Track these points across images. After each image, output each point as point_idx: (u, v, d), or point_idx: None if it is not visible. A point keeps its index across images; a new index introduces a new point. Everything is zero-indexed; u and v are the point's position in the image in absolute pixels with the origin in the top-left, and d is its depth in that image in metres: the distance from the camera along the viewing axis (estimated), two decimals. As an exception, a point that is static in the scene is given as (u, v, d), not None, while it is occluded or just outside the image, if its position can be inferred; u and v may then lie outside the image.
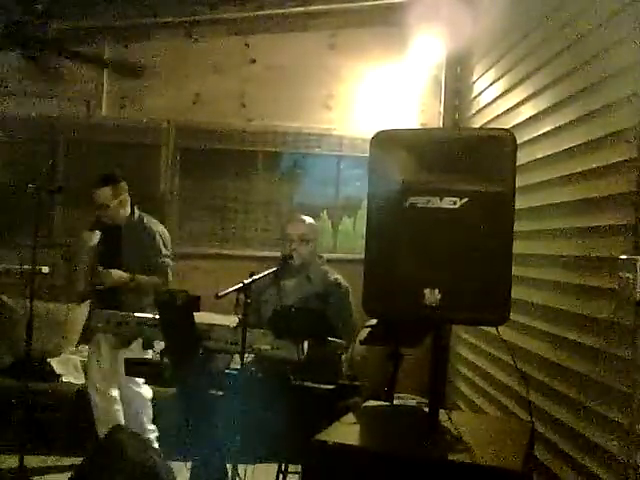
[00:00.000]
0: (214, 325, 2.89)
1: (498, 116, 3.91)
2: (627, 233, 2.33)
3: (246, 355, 2.74)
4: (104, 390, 3.84)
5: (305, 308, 3.14)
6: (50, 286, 4.63)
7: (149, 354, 3.39)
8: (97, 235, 3.93)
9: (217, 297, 2.66)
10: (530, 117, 3.33)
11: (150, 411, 3.96)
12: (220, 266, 4.98)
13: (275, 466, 2.96)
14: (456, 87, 5.03)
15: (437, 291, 2.15)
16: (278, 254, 3.47)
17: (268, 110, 5.20)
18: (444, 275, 2.16)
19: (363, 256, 2.29)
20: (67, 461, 3.92)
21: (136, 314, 3.04)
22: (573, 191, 2.81)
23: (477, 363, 4.04)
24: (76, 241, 4.08)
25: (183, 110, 5.22)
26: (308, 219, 3.58)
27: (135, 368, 3.12)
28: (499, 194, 2.14)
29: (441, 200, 2.17)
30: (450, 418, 2.30)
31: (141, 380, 3.87)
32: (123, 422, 3.81)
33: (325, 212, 5.29)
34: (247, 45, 5.21)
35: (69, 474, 3.34)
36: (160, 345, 3.11)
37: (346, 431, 2.30)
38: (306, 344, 2.76)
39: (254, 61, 5.22)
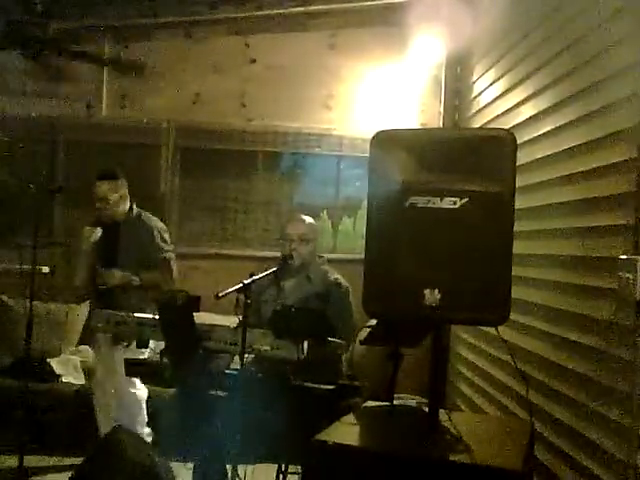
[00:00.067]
0: (214, 325, 2.89)
1: (498, 116, 3.91)
2: (627, 233, 2.32)
3: (246, 355, 2.75)
4: (106, 388, 3.85)
5: (305, 308, 3.14)
6: (50, 286, 4.63)
7: (145, 354, 3.40)
8: (98, 232, 3.93)
9: (217, 297, 2.66)
10: (530, 117, 3.33)
11: (144, 413, 3.96)
12: (220, 266, 4.98)
13: (275, 466, 2.96)
14: (456, 87, 5.03)
15: (437, 291, 2.15)
16: (278, 254, 3.47)
17: (268, 110, 5.20)
18: (444, 275, 2.16)
19: (363, 256, 2.30)
20: (67, 461, 3.92)
21: (136, 314, 3.04)
22: (573, 191, 2.81)
23: (477, 363, 4.04)
24: (77, 237, 4.09)
25: (183, 110, 5.22)
26: (308, 219, 3.58)
27: (135, 368, 3.12)
28: (499, 194, 2.14)
29: (441, 200, 2.17)
30: (450, 418, 2.30)
31: (137, 381, 3.87)
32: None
33: (325, 212, 5.29)
34: (247, 45, 5.21)
35: (69, 474, 3.33)
36: (158, 345, 3.12)
37: (346, 431, 2.30)
38: (306, 344, 2.76)
39: (254, 61, 5.22)
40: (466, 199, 2.15)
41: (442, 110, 5.09)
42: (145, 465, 3.20)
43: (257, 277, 2.84)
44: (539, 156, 3.15)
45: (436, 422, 2.28)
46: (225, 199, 5.34)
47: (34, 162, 5.12)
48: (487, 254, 2.14)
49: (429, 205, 2.18)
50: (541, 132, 3.17)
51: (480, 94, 4.39)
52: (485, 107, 4.24)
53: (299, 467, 2.63)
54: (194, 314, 2.84)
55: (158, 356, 3.01)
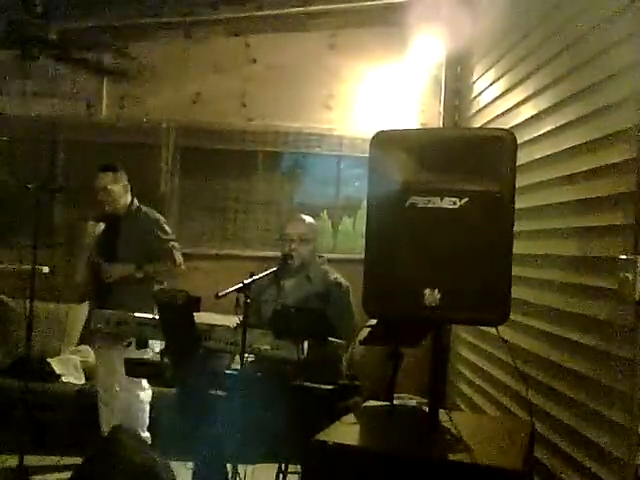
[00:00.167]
0: (214, 325, 2.89)
1: (498, 116, 3.91)
2: (627, 233, 2.32)
3: (246, 355, 2.75)
4: (109, 386, 3.85)
5: (305, 308, 3.14)
6: (50, 286, 4.63)
7: (148, 354, 3.40)
8: (101, 227, 3.95)
9: (217, 297, 2.66)
10: (530, 117, 3.33)
11: (146, 417, 3.96)
12: (220, 266, 4.98)
13: (275, 466, 2.96)
14: (456, 87, 5.03)
15: (437, 291, 2.15)
16: (278, 254, 3.47)
17: (268, 110, 5.20)
18: (444, 275, 2.17)
19: (363, 256, 2.30)
20: (67, 461, 3.91)
21: (136, 314, 3.05)
22: (573, 191, 2.81)
23: (477, 363, 4.04)
24: (78, 234, 4.10)
25: (183, 110, 5.22)
26: (308, 219, 3.58)
27: (135, 368, 3.12)
28: (499, 194, 2.14)
29: (441, 200, 2.17)
30: (450, 418, 2.30)
31: (145, 384, 3.88)
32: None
33: (325, 212, 5.29)
34: (247, 45, 5.21)
35: (69, 474, 3.34)
36: (158, 345, 3.12)
37: (346, 431, 2.30)
38: (306, 344, 2.76)
39: (254, 61, 5.21)
40: (466, 199, 2.15)
41: (442, 110, 5.09)
42: (145, 465, 3.20)
43: (257, 277, 2.84)
44: (539, 156, 3.15)
45: (436, 422, 2.28)
46: (225, 199, 5.34)
47: (34, 162, 5.12)
48: (487, 254, 2.14)
49: (429, 205, 2.19)
50: (541, 132, 3.17)
51: (480, 94, 4.39)
52: (485, 107, 4.24)
53: (299, 467, 2.63)
54: (194, 314, 2.85)
55: (158, 356, 3.02)
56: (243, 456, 2.75)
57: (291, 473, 2.91)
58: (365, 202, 2.33)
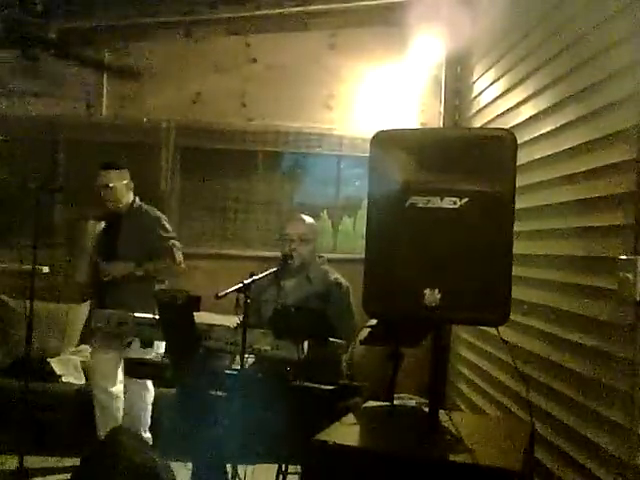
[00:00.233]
0: (214, 325, 2.89)
1: (498, 116, 3.91)
2: (627, 233, 2.32)
3: (246, 355, 2.75)
4: (103, 386, 3.84)
5: (305, 308, 3.14)
6: (50, 286, 4.63)
7: (151, 354, 3.40)
8: (100, 226, 3.96)
9: (217, 297, 2.66)
10: (530, 117, 3.33)
11: (148, 417, 3.96)
12: (220, 266, 4.98)
13: (275, 466, 2.96)
14: (456, 87, 5.03)
15: (437, 291, 2.15)
16: (278, 254, 3.47)
17: (268, 110, 5.20)
18: (444, 275, 2.16)
19: (363, 256, 2.29)
20: (67, 461, 3.91)
21: (136, 314, 3.05)
22: (573, 191, 2.81)
23: (477, 363, 4.04)
24: (79, 234, 4.10)
25: (183, 110, 5.22)
26: (308, 219, 3.58)
27: (135, 368, 3.12)
28: (499, 194, 2.14)
29: (441, 200, 2.17)
30: (450, 418, 2.30)
31: (150, 385, 3.88)
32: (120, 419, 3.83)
33: (325, 212, 5.29)
34: (247, 45, 5.21)
35: (69, 474, 3.34)
36: (162, 346, 3.12)
37: (346, 431, 2.30)
38: (306, 344, 2.76)
39: (254, 61, 5.21)
40: (466, 199, 2.15)
41: (442, 110, 5.09)
42: (145, 465, 3.19)
43: (257, 277, 2.84)
44: (539, 156, 3.15)
45: (436, 422, 2.28)
46: (225, 199, 5.34)
47: (34, 162, 5.12)
48: (487, 254, 2.13)
49: (429, 205, 2.18)
50: (541, 132, 3.17)
51: (480, 94, 4.39)
52: (485, 107, 4.24)
53: (299, 467, 2.63)
54: (194, 314, 2.85)
55: (159, 356, 3.02)
56: (243, 456, 2.75)
57: (291, 473, 2.91)
58: (365, 202, 2.33)
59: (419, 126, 5.09)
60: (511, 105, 3.67)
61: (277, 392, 2.73)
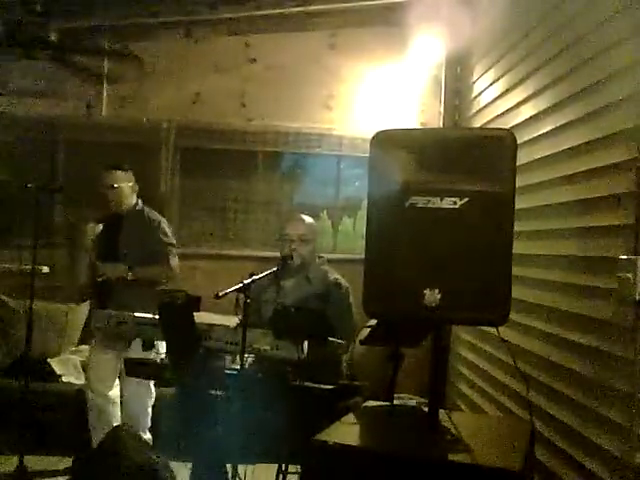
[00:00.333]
0: (214, 325, 2.89)
1: (498, 116, 3.91)
2: (627, 233, 2.32)
3: (246, 355, 2.74)
4: (100, 390, 3.84)
5: (305, 308, 3.14)
6: (50, 286, 4.63)
7: (151, 354, 3.40)
8: (99, 227, 3.96)
9: (217, 297, 2.66)
10: (530, 117, 3.33)
11: (149, 419, 3.96)
12: (220, 266, 4.98)
13: (275, 466, 2.96)
14: (456, 87, 5.03)
15: (437, 291, 2.15)
16: (278, 254, 3.47)
17: (268, 110, 5.20)
18: (444, 275, 2.16)
19: (363, 256, 2.29)
20: (67, 461, 3.90)
21: (136, 314, 3.04)
22: (573, 191, 2.81)
23: (477, 363, 4.04)
24: (79, 236, 4.10)
25: (183, 110, 5.21)
26: (307, 219, 3.58)
27: (135, 368, 3.12)
28: (499, 194, 2.14)
29: (441, 200, 2.17)
30: (450, 418, 2.30)
31: (150, 386, 3.88)
32: (114, 424, 3.82)
33: (325, 212, 5.29)
34: (247, 45, 5.21)
35: (69, 475, 3.34)
36: (163, 346, 3.12)
37: (346, 431, 2.30)
38: (306, 344, 2.76)
39: (254, 61, 5.21)
40: (466, 199, 2.15)
41: (442, 110, 5.09)
42: (145, 465, 3.20)
43: (257, 277, 2.84)
44: (539, 156, 3.15)
45: (436, 422, 2.28)
46: (225, 199, 5.34)
47: (34, 162, 5.12)
48: (487, 254, 2.13)
49: (429, 205, 2.18)
50: (541, 132, 3.17)
51: (480, 94, 4.39)
52: (485, 107, 4.24)
53: (299, 467, 2.63)
54: (194, 314, 2.84)
55: (159, 356, 3.02)
56: (243, 456, 2.75)
57: (291, 473, 2.91)
58: (365, 202, 2.33)
59: (419, 126, 5.09)
60: (511, 105, 3.67)
61: (277, 392, 2.73)
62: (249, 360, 2.84)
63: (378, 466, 2.04)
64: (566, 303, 2.81)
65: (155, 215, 4.06)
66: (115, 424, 3.79)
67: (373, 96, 5.16)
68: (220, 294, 2.67)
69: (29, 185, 3.71)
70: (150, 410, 3.95)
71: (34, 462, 3.75)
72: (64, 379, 4.48)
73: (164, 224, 4.03)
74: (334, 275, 3.50)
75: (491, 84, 4.13)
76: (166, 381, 3.05)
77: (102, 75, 5.16)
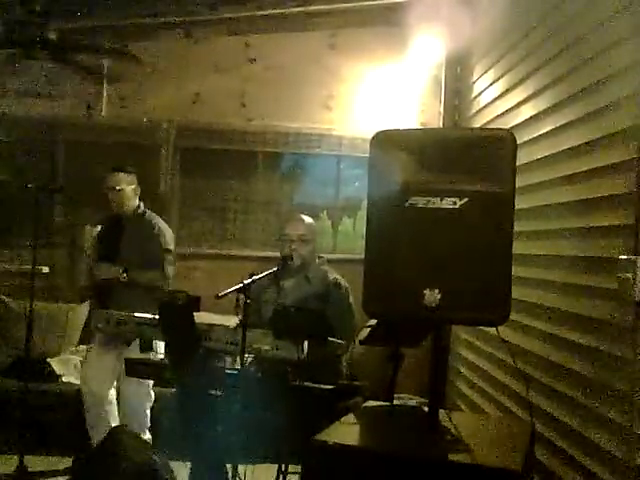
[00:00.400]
0: (214, 325, 2.89)
1: (498, 116, 3.91)
2: (627, 233, 2.32)
3: (246, 355, 2.74)
4: (95, 390, 3.84)
5: (305, 308, 3.14)
6: (50, 286, 4.63)
7: (149, 354, 3.40)
8: (97, 229, 3.97)
9: (217, 297, 2.66)
10: (530, 117, 3.33)
11: (148, 419, 3.96)
12: (220, 266, 4.98)
13: (275, 466, 2.96)
14: (456, 87, 5.02)
15: (437, 291, 2.15)
16: (278, 254, 3.47)
17: (268, 110, 5.20)
18: (444, 275, 2.16)
19: (363, 256, 2.29)
20: (67, 461, 3.91)
21: (136, 314, 3.05)
22: (573, 191, 2.81)
23: (477, 363, 4.04)
24: (79, 237, 4.10)
25: (183, 110, 5.22)
26: (307, 219, 3.58)
27: (135, 368, 3.12)
28: (499, 194, 2.14)
29: (441, 200, 2.17)
30: (450, 418, 2.30)
31: (150, 386, 3.88)
32: (112, 423, 3.82)
33: (325, 212, 5.30)
34: (247, 45, 5.21)
35: (69, 475, 3.34)
36: (161, 346, 3.12)
37: (346, 431, 2.30)
38: (306, 344, 2.76)
39: (254, 61, 5.21)
40: (466, 199, 2.15)
41: (442, 110, 5.08)
42: (145, 465, 3.20)
43: (257, 277, 2.84)
44: (539, 156, 3.15)
45: (436, 422, 2.28)
46: (225, 199, 5.34)
47: (34, 162, 5.12)
48: (487, 254, 2.13)
49: (429, 205, 2.18)
50: (541, 132, 3.17)
51: (480, 94, 4.39)
52: (485, 107, 4.24)
53: (299, 467, 2.63)
54: (194, 314, 2.84)
55: (157, 356, 3.02)
56: (243, 456, 2.75)
57: (291, 473, 2.91)
58: (365, 202, 2.33)
59: (419, 126, 5.10)
60: (511, 105, 3.67)
61: (277, 392, 2.73)
62: (249, 360, 2.84)
63: (378, 466, 2.04)
64: (566, 303, 2.81)
65: (156, 219, 4.05)
66: (113, 423, 3.80)
67: (373, 96, 5.16)
68: (220, 294, 2.67)
69: (29, 185, 3.71)
70: (149, 409, 3.95)
71: (34, 462, 3.75)
72: (64, 379, 4.48)
73: (164, 229, 4.03)
74: (334, 275, 3.50)
75: (491, 84, 4.12)
76: (166, 381, 3.04)
77: (102, 74, 5.16)
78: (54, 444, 4.08)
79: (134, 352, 3.36)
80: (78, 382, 4.45)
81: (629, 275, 2.21)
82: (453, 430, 2.23)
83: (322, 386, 2.80)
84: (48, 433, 4.08)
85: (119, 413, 3.91)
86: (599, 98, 2.60)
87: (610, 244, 2.45)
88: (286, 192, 5.31)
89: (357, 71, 5.18)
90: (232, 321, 2.84)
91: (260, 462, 2.98)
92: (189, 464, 2.98)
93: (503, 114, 3.81)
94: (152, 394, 3.94)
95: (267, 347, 2.79)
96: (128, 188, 3.98)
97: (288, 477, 2.93)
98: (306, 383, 2.78)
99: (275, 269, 3.20)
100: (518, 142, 2.22)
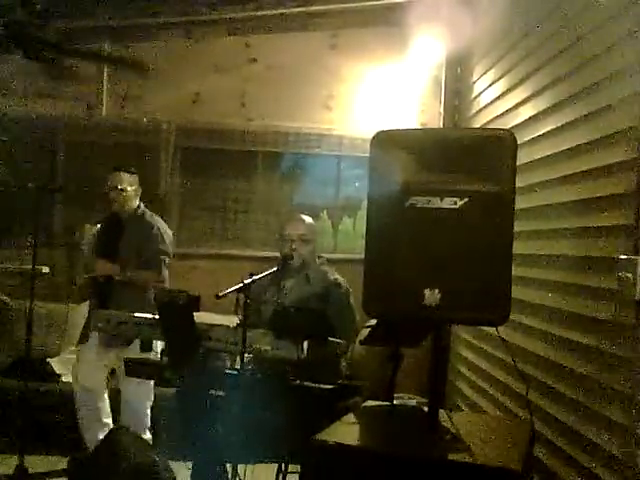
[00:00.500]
0: (214, 325, 2.89)
1: (498, 116, 3.91)
2: (627, 233, 2.32)
3: (246, 355, 2.75)
4: (87, 385, 3.84)
5: (305, 308, 3.14)
6: (50, 286, 4.63)
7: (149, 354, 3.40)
8: (96, 228, 3.97)
9: (217, 297, 2.66)
10: (530, 117, 3.33)
11: (148, 419, 3.96)
12: (220, 266, 4.98)
13: (275, 466, 2.96)
14: (456, 87, 5.03)
15: (437, 291, 2.15)
16: (278, 254, 3.47)
17: (268, 110, 5.20)
18: (444, 275, 2.16)
19: (363, 256, 2.30)
20: (67, 462, 3.91)
21: (136, 314, 3.05)
22: (573, 191, 2.81)
23: (477, 363, 4.04)
24: (78, 237, 4.10)
25: (183, 110, 5.22)
26: (307, 219, 3.58)
27: (135, 368, 3.12)
28: (499, 194, 2.14)
29: (441, 200, 2.17)
30: (450, 418, 2.30)
31: (150, 386, 3.88)
32: (105, 421, 3.83)
33: (325, 212, 5.30)
34: (247, 45, 5.21)
35: (66, 475, 3.34)
36: (160, 346, 3.12)
37: (346, 431, 2.30)
38: (306, 344, 2.76)
39: (254, 61, 5.21)
40: (466, 199, 2.15)
41: (442, 110, 5.09)
42: (145, 465, 3.20)
43: (257, 277, 2.84)
44: (539, 156, 3.15)
45: (436, 422, 2.28)
46: (225, 199, 5.34)
47: (34, 162, 5.12)
48: (487, 254, 2.14)
49: (429, 205, 2.19)
50: (541, 132, 3.17)
51: (480, 94, 4.39)
52: (485, 107, 4.24)
53: (299, 467, 2.63)
54: (194, 314, 2.85)
55: (159, 356, 3.02)
56: (243, 456, 2.75)
57: (291, 473, 2.91)
58: (365, 202, 2.33)
59: (419, 126, 5.09)
60: (511, 105, 3.67)
61: (277, 392, 2.73)
62: (249, 360, 2.84)
63: (378, 466, 2.04)
64: (566, 303, 2.81)
65: (156, 221, 4.05)
66: (105, 420, 3.81)
67: (373, 96, 5.16)
68: (220, 294, 2.68)
69: (29, 185, 3.71)
70: (149, 408, 3.95)
71: (34, 462, 3.74)
72: (64, 379, 4.47)
73: (163, 231, 4.03)
74: (334, 275, 3.50)
75: (491, 84, 4.13)
76: (166, 381, 3.04)
77: (102, 74, 5.16)
78: (54, 444, 4.08)
79: (134, 352, 3.37)
80: (77, 382, 4.47)
81: (629, 275, 2.21)
82: (453, 430, 2.23)
83: (322, 386, 2.80)
84: (48, 433, 4.08)
85: (119, 413, 3.91)
86: (599, 98, 2.60)
87: (610, 244, 2.45)
88: (286, 192, 5.31)
89: (357, 71, 5.18)
90: (232, 321, 2.85)
91: (260, 462, 2.98)
92: (189, 464, 2.98)
93: (503, 114, 3.81)
94: (151, 391, 3.94)
95: (267, 347, 2.79)
96: (130, 188, 3.99)
97: (288, 477, 2.93)
98: (306, 383, 2.78)
99: (275, 269, 3.20)
100: (518, 142, 2.22)
